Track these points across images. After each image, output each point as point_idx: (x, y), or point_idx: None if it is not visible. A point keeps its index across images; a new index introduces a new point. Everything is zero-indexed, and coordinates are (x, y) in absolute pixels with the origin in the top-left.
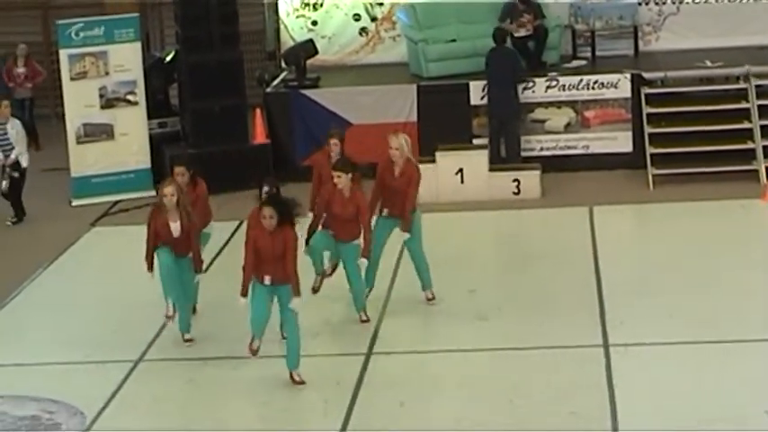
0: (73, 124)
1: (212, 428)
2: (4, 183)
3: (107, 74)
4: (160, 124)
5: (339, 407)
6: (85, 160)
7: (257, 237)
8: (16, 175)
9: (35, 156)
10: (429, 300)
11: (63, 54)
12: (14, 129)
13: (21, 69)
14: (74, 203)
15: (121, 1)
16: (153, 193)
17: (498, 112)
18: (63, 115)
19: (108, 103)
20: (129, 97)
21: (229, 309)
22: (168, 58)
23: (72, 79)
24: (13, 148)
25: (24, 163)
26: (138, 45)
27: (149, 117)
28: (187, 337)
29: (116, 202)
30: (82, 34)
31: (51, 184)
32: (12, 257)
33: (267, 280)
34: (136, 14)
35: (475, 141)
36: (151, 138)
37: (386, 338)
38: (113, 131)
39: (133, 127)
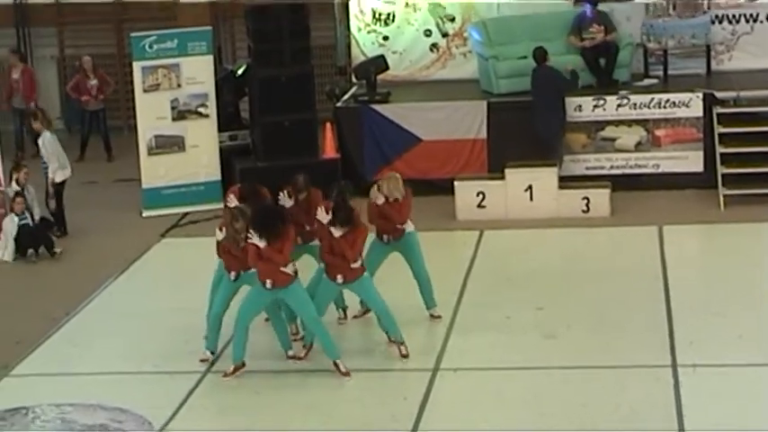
0: (145, 136)
1: None
2: (51, 201)
3: (179, 86)
4: (230, 137)
5: (406, 422)
6: (156, 172)
7: None
8: (51, 190)
9: (108, 167)
10: (435, 317)
11: (136, 66)
12: (44, 146)
13: (93, 81)
14: (144, 214)
15: (195, 10)
16: (222, 205)
17: (540, 132)
18: (135, 127)
19: (179, 115)
20: (201, 110)
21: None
22: (240, 72)
23: (145, 91)
24: (47, 166)
25: (58, 178)
26: (210, 58)
27: (220, 130)
28: (290, 353)
29: (186, 214)
30: (155, 47)
31: (123, 194)
32: (83, 266)
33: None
34: (208, 28)
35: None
36: (221, 150)
37: (453, 355)
38: (184, 143)
39: (204, 139)
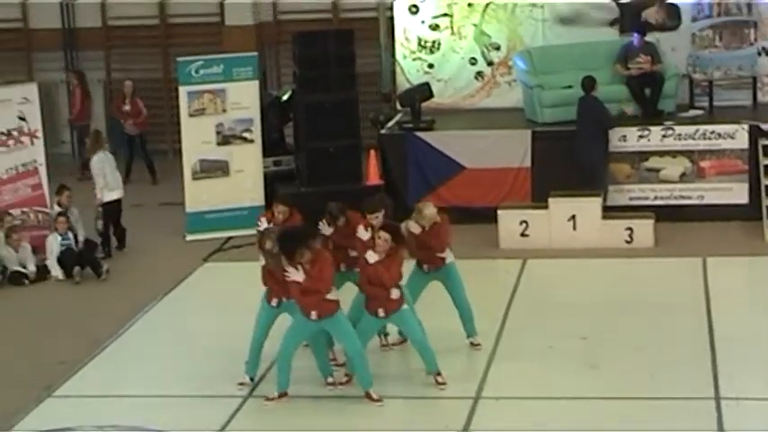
0: (189, 160)
1: None
2: (98, 222)
3: (224, 111)
4: (275, 162)
5: None
6: (200, 196)
7: None
8: (99, 210)
9: (153, 190)
10: (475, 345)
11: (182, 91)
12: (92, 166)
13: (126, 107)
14: (188, 238)
15: (241, 35)
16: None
17: (582, 162)
18: (180, 151)
19: (224, 139)
20: (246, 135)
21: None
22: (285, 97)
23: (190, 116)
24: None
25: (105, 198)
26: (256, 83)
27: (264, 155)
28: (330, 380)
29: (229, 238)
30: (201, 71)
31: (167, 218)
32: (126, 289)
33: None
34: (254, 53)
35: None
36: (265, 176)
37: (495, 383)
38: (229, 168)
39: (248, 164)
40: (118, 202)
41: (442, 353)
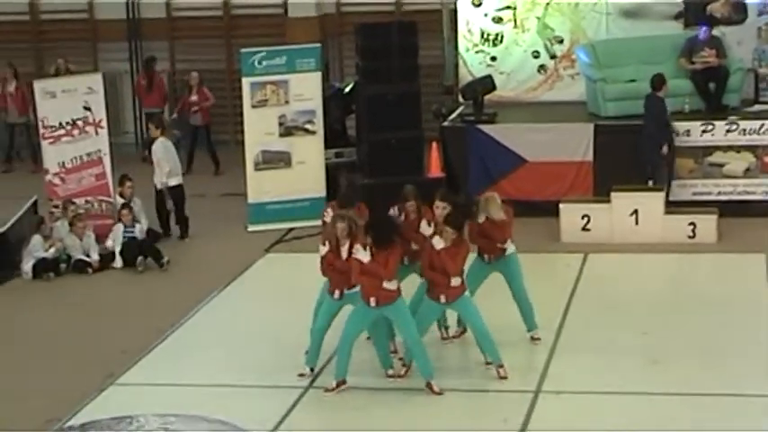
0: (252, 151)
1: None
2: (168, 202)
3: (287, 102)
4: (336, 154)
5: None
6: (262, 187)
7: None
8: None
9: (215, 180)
10: (535, 339)
11: (245, 82)
12: (154, 152)
13: (194, 97)
14: (250, 229)
15: (304, 27)
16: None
17: (642, 159)
18: (242, 142)
19: (287, 131)
20: (308, 126)
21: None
22: (347, 89)
23: (253, 107)
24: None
25: (171, 182)
26: (319, 75)
27: (326, 146)
28: (390, 372)
29: (290, 230)
30: (264, 63)
31: (229, 209)
32: (188, 279)
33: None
34: (317, 44)
35: (651, 183)
36: (327, 167)
37: (555, 377)
38: (291, 159)
39: (310, 156)
40: (180, 187)
41: (501, 346)
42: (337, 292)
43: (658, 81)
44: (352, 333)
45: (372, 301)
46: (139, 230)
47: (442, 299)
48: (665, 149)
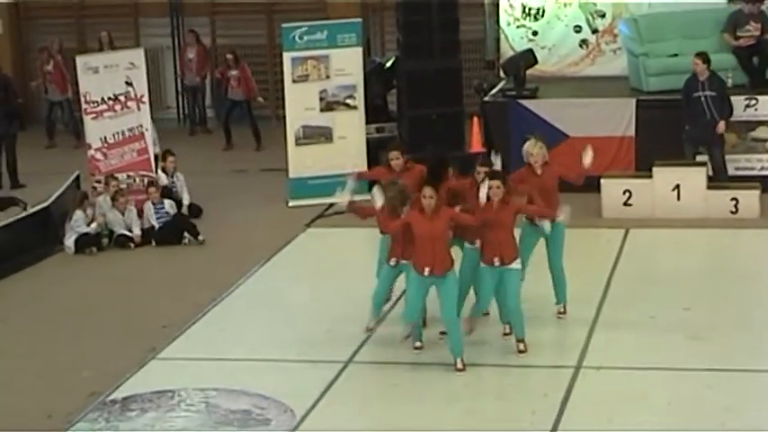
0: (293, 126)
1: None
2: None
3: (328, 77)
4: (378, 129)
5: (546, 419)
6: (303, 162)
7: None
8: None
9: (256, 156)
10: (560, 313)
11: (286, 57)
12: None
13: (234, 72)
14: (290, 204)
15: (345, 2)
16: (368, 197)
17: (695, 137)
18: (283, 117)
19: (328, 106)
20: (349, 101)
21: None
22: (388, 64)
23: (294, 82)
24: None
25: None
26: (360, 50)
27: (367, 122)
28: (418, 344)
29: (331, 205)
30: (305, 38)
31: (269, 184)
32: (229, 254)
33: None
34: (358, 19)
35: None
36: (368, 142)
37: (596, 353)
38: (332, 134)
39: (351, 131)
40: None
41: (542, 320)
42: (393, 260)
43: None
44: (415, 302)
45: (427, 270)
46: (169, 206)
47: (496, 262)
48: (721, 126)
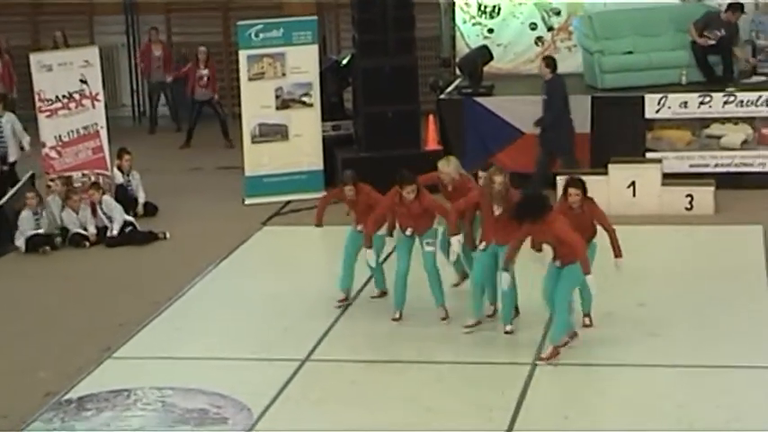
0: (249, 124)
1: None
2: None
3: (284, 75)
4: (333, 127)
5: (503, 416)
6: (259, 160)
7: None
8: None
9: (211, 153)
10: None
11: (242, 55)
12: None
13: (204, 71)
14: (246, 202)
15: (301, 1)
16: (324, 194)
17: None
18: (239, 115)
19: (284, 104)
20: (305, 99)
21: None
22: (344, 62)
23: (250, 80)
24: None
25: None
26: (316, 48)
27: (323, 119)
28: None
29: (287, 203)
30: (261, 35)
31: (226, 182)
32: (185, 252)
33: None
34: (314, 17)
35: (648, 155)
36: (324, 140)
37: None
38: (288, 132)
39: (307, 128)
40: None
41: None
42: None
43: (554, 62)
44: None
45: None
46: (136, 203)
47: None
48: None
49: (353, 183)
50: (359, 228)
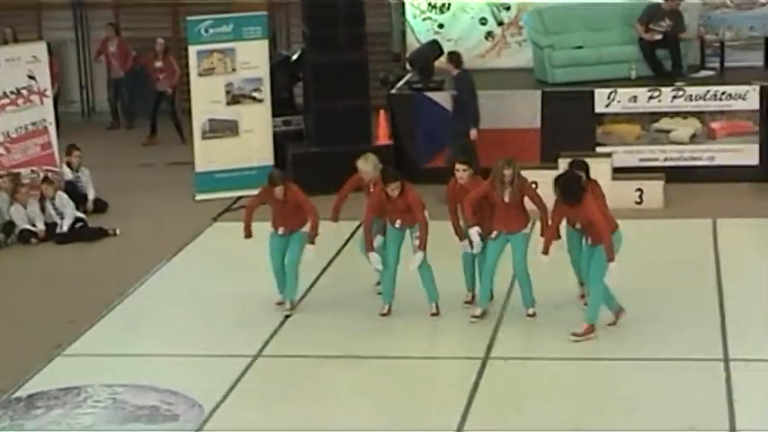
0: (199, 120)
1: (326, 428)
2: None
3: (234, 71)
4: (284, 122)
5: (454, 411)
6: (210, 156)
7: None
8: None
9: (161, 149)
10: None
11: (192, 50)
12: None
13: (158, 63)
14: (197, 198)
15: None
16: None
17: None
18: (189, 111)
19: (234, 99)
20: (255, 94)
21: (348, 308)
22: (294, 57)
23: (200, 75)
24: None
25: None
26: (266, 43)
27: (274, 115)
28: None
29: (238, 198)
30: (211, 31)
31: (175, 178)
32: (136, 249)
33: None
34: (264, 12)
35: (598, 149)
36: (275, 135)
37: (503, 344)
38: (238, 128)
39: (258, 124)
40: None
41: (449, 312)
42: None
43: (459, 57)
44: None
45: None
46: (85, 199)
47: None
48: (473, 133)
49: (283, 182)
50: (280, 231)
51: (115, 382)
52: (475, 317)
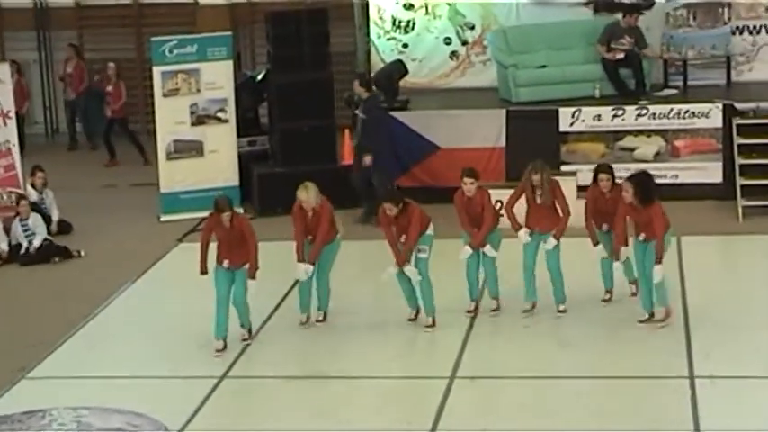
0: (163, 141)
1: None
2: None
3: (198, 91)
4: (249, 143)
5: (421, 429)
6: (175, 176)
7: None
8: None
9: (125, 171)
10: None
11: (156, 71)
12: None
13: (109, 88)
14: (162, 219)
15: (215, 15)
16: (240, 210)
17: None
18: (154, 131)
19: (198, 120)
20: (220, 115)
21: (310, 329)
22: (259, 77)
23: (164, 96)
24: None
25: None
26: (230, 63)
27: (239, 135)
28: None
29: (203, 219)
30: (175, 51)
31: (139, 199)
32: (100, 270)
33: None
34: (228, 33)
35: (563, 168)
36: (240, 156)
37: (469, 363)
38: (203, 148)
39: (223, 144)
40: None
41: (415, 330)
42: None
43: (369, 81)
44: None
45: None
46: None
47: None
48: (367, 160)
49: (230, 208)
50: (225, 264)
51: (80, 405)
52: (525, 311)
